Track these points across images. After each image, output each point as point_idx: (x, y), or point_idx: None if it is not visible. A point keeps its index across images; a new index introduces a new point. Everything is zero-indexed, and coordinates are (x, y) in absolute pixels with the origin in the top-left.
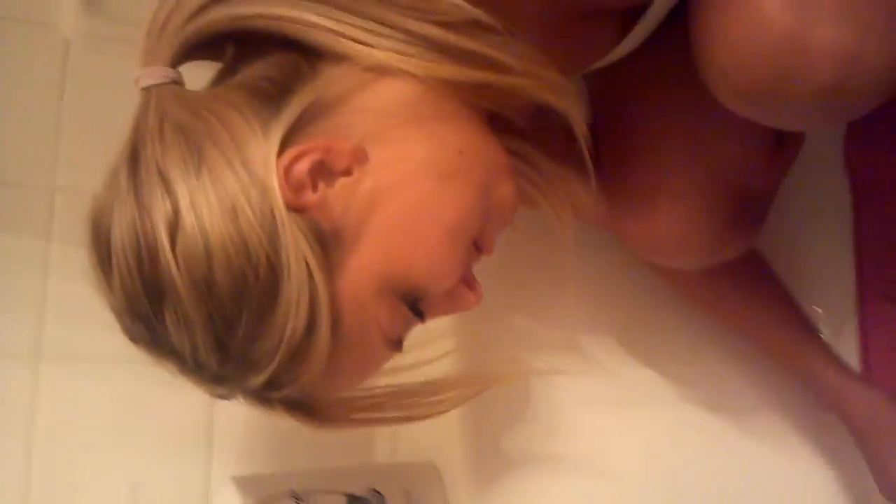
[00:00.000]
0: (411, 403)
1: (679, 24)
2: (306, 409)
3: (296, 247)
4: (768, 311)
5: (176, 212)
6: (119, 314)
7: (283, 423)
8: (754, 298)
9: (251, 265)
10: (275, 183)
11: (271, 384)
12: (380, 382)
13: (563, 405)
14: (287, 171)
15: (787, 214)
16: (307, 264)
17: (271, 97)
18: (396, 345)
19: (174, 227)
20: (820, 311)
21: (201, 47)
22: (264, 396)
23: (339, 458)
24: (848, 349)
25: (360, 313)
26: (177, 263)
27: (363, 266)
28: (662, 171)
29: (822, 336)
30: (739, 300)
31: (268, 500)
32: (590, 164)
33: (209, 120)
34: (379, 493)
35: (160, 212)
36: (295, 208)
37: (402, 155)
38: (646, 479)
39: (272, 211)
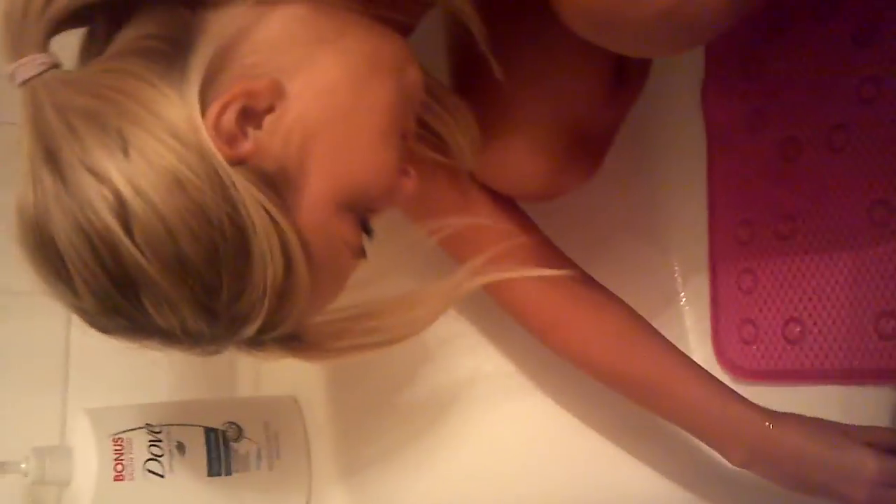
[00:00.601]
0: (388, 324)
1: None
2: (297, 342)
3: (251, 198)
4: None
5: (121, 201)
6: (92, 315)
7: (277, 361)
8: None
9: (216, 229)
10: (209, 143)
11: (264, 329)
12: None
13: (429, 352)
14: (216, 128)
15: (644, 156)
16: (267, 211)
17: (168, 56)
18: (362, 252)
19: (125, 215)
20: (677, 268)
21: (69, 21)
22: (257, 341)
23: (201, 392)
24: (700, 292)
25: (327, 237)
26: (141, 251)
27: (316, 193)
28: (505, 103)
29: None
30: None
31: (122, 432)
32: (493, 62)
33: (115, 98)
34: (236, 424)
35: (104, 204)
36: (235, 161)
37: (315, 77)
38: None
39: (216, 171)
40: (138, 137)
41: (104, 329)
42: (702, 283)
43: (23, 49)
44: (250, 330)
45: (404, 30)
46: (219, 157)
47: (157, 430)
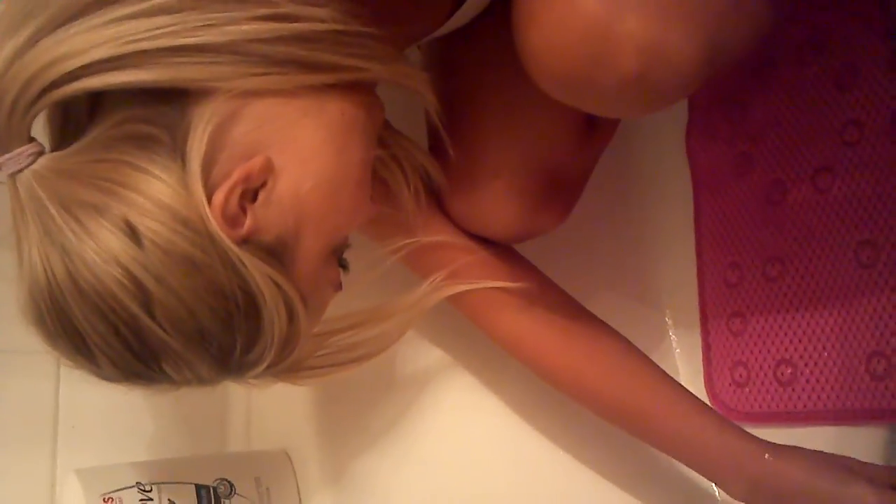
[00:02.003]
0: (362, 339)
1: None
2: (288, 369)
3: (259, 272)
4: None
5: (142, 289)
6: (110, 380)
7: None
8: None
9: (231, 301)
10: (218, 230)
11: (267, 370)
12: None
13: (417, 393)
14: (223, 214)
15: (632, 202)
16: (273, 280)
17: (162, 144)
18: (340, 286)
19: (147, 301)
20: (668, 311)
21: (51, 109)
22: (257, 376)
23: (191, 447)
24: (691, 334)
25: (317, 283)
26: (164, 329)
27: (309, 250)
28: (479, 149)
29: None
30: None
31: (113, 492)
32: (445, 136)
33: (117, 192)
34: (228, 481)
35: (125, 294)
36: (241, 241)
37: (299, 149)
38: (504, 470)
39: (227, 253)
40: (149, 229)
41: (119, 383)
42: (693, 326)
43: (9, 144)
44: (257, 372)
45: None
46: (228, 242)
47: (147, 488)
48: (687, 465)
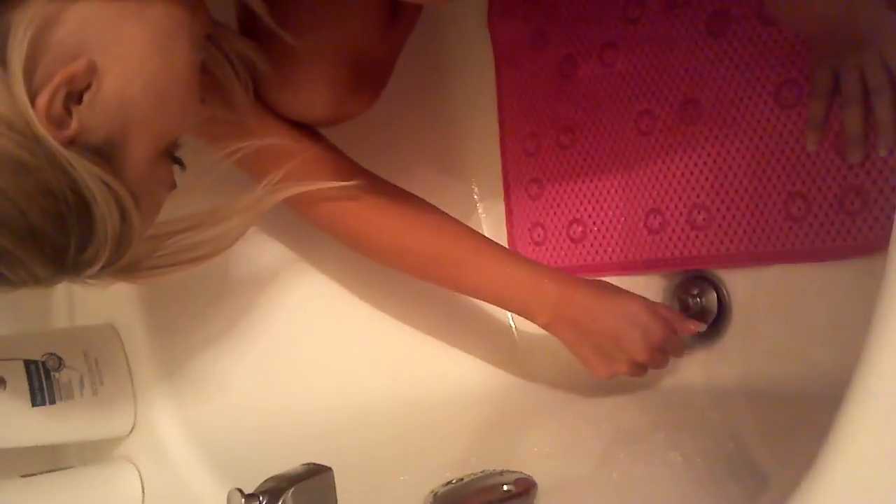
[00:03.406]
0: (200, 240)
1: None
2: (125, 269)
3: (88, 172)
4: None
5: None
6: None
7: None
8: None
9: (61, 201)
10: (44, 132)
11: (102, 269)
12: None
13: (259, 292)
14: (48, 116)
15: (439, 82)
16: (102, 180)
17: None
18: (174, 184)
19: None
20: (474, 180)
21: None
22: (93, 275)
23: (15, 326)
24: (495, 201)
25: (149, 183)
26: None
27: (139, 151)
28: (294, 38)
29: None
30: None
31: None
32: (274, 26)
33: None
34: (56, 355)
35: None
36: (67, 141)
37: (123, 51)
38: (340, 348)
39: (54, 154)
40: None
41: None
42: (497, 194)
43: None
44: (93, 272)
45: None
46: (54, 143)
47: None
48: (495, 303)
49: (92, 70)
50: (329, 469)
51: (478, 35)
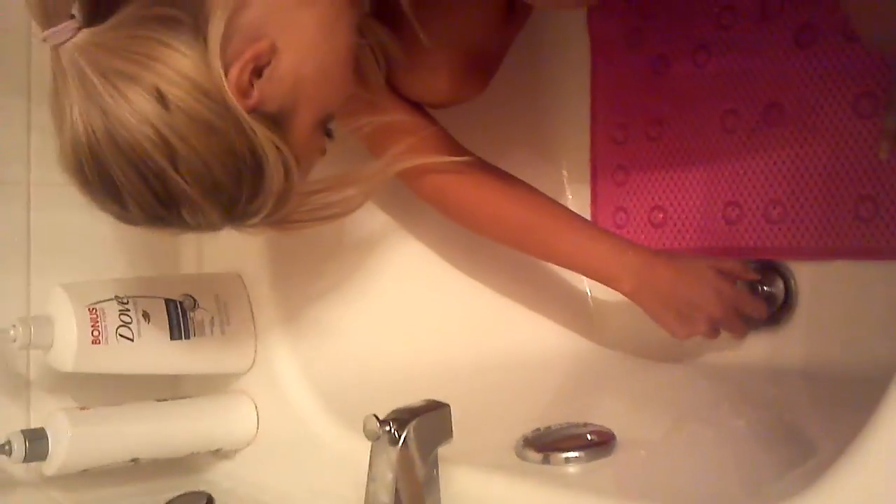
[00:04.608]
0: (333, 200)
1: None
2: (278, 221)
3: (264, 136)
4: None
5: (168, 144)
6: (135, 223)
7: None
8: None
9: (241, 160)
10: (233, 101)
11: (263, 220)
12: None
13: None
14: (237, 86)
15: (538, 73)
16: (274, 144)
17: (185, 25)
18: (325, 151)
19: (172, 156)
20: (563, 163)
21: None
22: (254, 225)
23: (149, 270)
24: (582, 185)
25: (308, 148)
26: (186, 181)
27: (305, 120)
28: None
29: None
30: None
31: (96, 303)
32: (416, 25)
33: (149, 64)
34: (191, 296)
35: (154, 149)
36: (250, 109)
37: (298, 32)
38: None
39: (239, 120)
40: (176, 96)
41: (136, 224)
42: (584, 179)
43: (55, 19)
44: (254, 222)
45: None
46: (240, 110)
47: (124, 300)
48: (581, 271)
49: (273, 49)
50: (447, 405)
51: (576, 32)
